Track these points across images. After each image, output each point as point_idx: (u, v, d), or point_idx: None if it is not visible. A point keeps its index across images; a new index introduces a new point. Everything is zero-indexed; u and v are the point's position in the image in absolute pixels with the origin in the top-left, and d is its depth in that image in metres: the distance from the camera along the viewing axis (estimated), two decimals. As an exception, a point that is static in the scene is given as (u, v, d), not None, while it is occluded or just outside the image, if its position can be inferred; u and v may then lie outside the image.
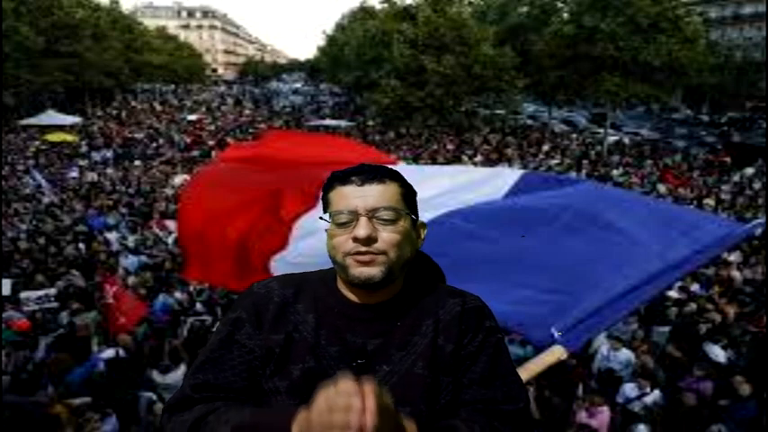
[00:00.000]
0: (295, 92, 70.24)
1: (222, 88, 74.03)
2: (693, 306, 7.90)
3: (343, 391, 0.84)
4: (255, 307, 1.18)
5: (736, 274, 9.53)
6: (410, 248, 1.16)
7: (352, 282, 1.12)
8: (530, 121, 39.24)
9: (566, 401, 5.51)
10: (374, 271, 1.09)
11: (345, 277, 1.13)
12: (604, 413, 5.14)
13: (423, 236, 1.22)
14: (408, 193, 1.18)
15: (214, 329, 1.23)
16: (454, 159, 23.74)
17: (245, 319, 1.17)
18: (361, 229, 1.08)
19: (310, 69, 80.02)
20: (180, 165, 24.15)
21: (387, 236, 1.10)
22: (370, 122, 35.60)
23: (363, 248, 1.09)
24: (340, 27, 49.94)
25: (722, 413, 5.12)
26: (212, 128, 35.81)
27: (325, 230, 1.19)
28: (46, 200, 17.89)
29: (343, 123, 34.98)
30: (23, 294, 7.92)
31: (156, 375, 5.81)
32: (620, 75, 25.75)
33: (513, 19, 35.19)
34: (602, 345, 6.47)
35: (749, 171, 21.60)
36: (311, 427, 0.86)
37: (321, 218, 1.17)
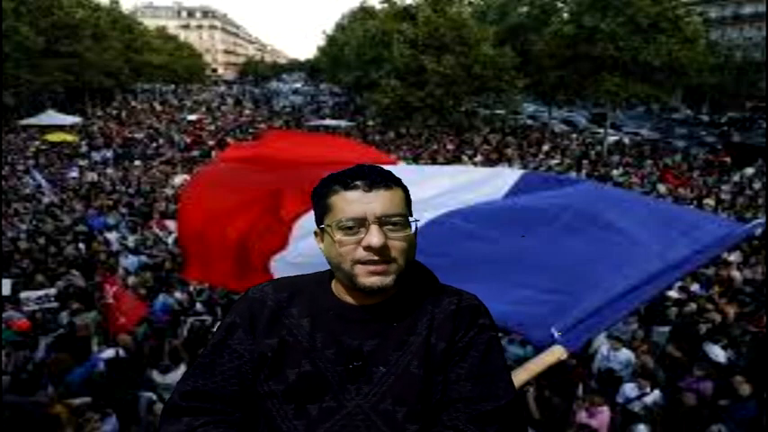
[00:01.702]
0: (295, 92, 70.25)
1: (222, 88, 74.05)
2: (693, 306, 7.89)
3: None
4: (250, 311, 1.18)
5: (736, 274, 9.53)
6: (413, 252, 1.16)
7: (360, 290, 1.10)
8: (530, 121, 39.24)
9: (566, 401, 5.50)
10: (387, 280, 1.09)
11: (351, 285, 1.11)
12: (604, 413, 5.14)
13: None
14: (408, 197, 1.17)
15: (213, 332, 1.24)
16: (454, 159, 23.74)
17: (238, 324, 1.17)
18: (375, 238, 1.06)
19: (310, 69, 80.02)
20: (180, 165, 24.16)
21: (397, 243, 1.09)
22: (370, 122, 35.62)
23: (376, 257, 1.07)
24: (340, 27, 49.97)
25: (722, 413, 5.12)
26: (212, 128, 35.83)
27: (314, 233, 1.17)
28: (46, 200, 17.89)
29: (343, 123, 34.99)
30: (23, 294, 7.92)
31: (156, 375, 5.82)
32: (620, 75, 25.76)
33: (513, 19, 35.19)
34: (602, 345, 6.47)
35: (749, 171, 21.60)
36: None
37: (317, 217, 1.15)
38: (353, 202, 1.08)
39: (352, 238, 1.08)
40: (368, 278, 1.08)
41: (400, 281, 1.12)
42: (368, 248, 1.07)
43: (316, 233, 1.18)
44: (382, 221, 1.08)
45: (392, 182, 1.13)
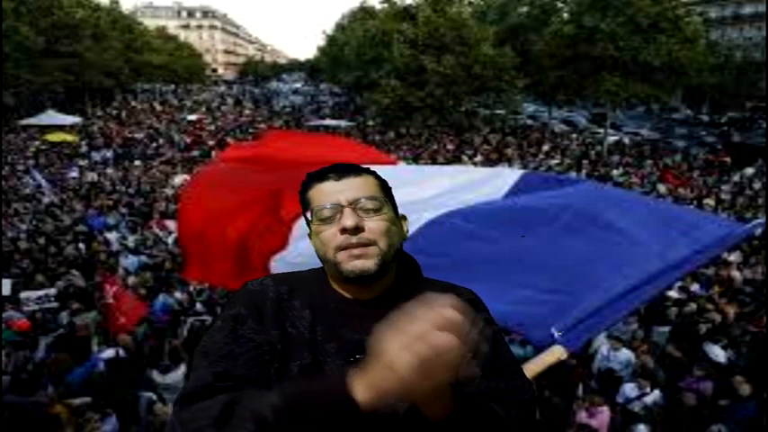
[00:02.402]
0: (295, 92, 70.24)
1: (222, 88, 74.03)
2: (693, 306, 7.90)
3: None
4: (253, 303, 1.15)
5: (736, 274, 9.53)
6: (397, 238, 1.16)
7: (346, 278, 1.10)
8: (530, 121, 39.24)
9: (566, 401, 5.51)
10: (369, 263, 1.09)
11: (338, 274, 1.12)
12: (604, 413, 5.14)
13: (406, 228, 1.23)
14: (385, 186, 1.19)
15: (210, 328, 1.17)
16: (454, 159, 23.74)
17: (245, 315, 1.13)
18: (348, 219, 1.08)
19: (310, 69, 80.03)
20: (180, 165, 24.15)
21: (373, 224, 1.11)
22: (370, 122, 35.60)
23: (354, 239, 1.08)
24: (340, 27, 49.98)
25: (722, 413, 5.12)
26: (212, 128, 35.81)
27: (308, 234, 1.19)
28: (46, 200, 17.89)
29: (343, 123, 34.98)
30: (23, 294, 7.92)
31: (156, 375, 5.81)
32: (620, 75, 25.75)
33: (513, 19, 35.19)
34: (602, 345, 6.47)
35: (749, 171, 21.60)
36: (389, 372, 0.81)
37: (304, 216, 1.18)
38: (327, 192, 1.13)
39: (330, 226, 1.11)
40: (349, 263, 1.09)
41: (386, 267, 1.12)
42: (344, 231, 1.09)
43: (309, 235, 1.19)
44: (355, 205, 1.11)
45: (363, 171, 1.17)
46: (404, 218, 1.23)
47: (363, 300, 1.15)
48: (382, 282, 1.14)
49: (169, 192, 17.99)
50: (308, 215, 1.16)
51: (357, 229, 1.09)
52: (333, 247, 1.10)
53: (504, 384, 1.12)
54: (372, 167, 1.23)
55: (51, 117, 30.86)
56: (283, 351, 1.11)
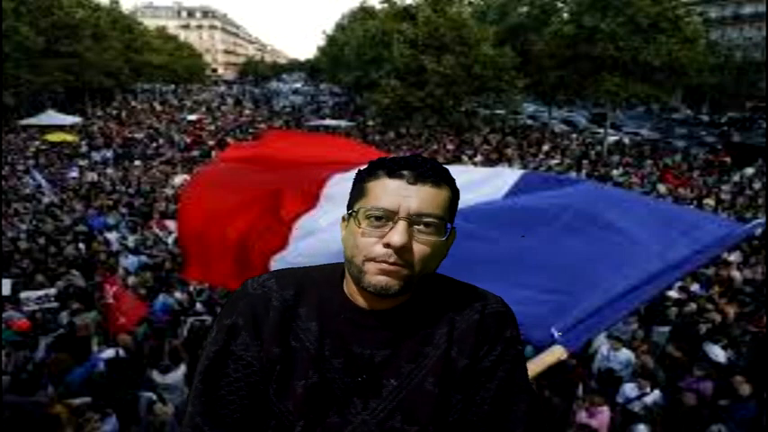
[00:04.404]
0: (295, 92, 70.25)
1: (222, 88, 74.04)
2: (693, 306, 7.90)
3: None
4: (253, 312, 1.05)
5: (736, 274, 9.53)
6: (436, 263, 1.03)
7: (365, 288, 1.00)
8: (530, 121, 39.25)
9: (566, 401, 5.50)
10: (393, 282, 0.97)
11: (357, 281, 1.01)
12: (604, 413, 5.14)
13: (450, 241, 1.06)
14: (455, 200, 1.04)
15: (209, 335, 1.13)
16: (454, 159, 23.74)
17: (241, 326, 1.04)
18: (397, 236, 0.94)
19: (310, 69, 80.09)
20: (180, 165, 24.17)
21: (420, 248, 0.97)
22: (370, 122, 35.61)
23: (393, 257, 0.95)
24: (340, 27, 49.99)
25: (722, 413, 5.12)
26: (212, 128, 35.82)
27: (342, 218, 1.05)
28: (46, 200, 17.89)
29: (343, 123, 35.00)
30: (23, 294, 7.92)
31: (156, 375, 5.81)
32: (620, 75, 25.77)
33: (513, 19, 35.23)
34: (602, 345, 6.47)
35: (749, 171, 21.60)
36: None
37: (350, 211, 1.02)
38: (391, 192, 0.97)
39: (376, 231, 0.97)
40: (374, 276, 0.97)
41: (409, 287, 1.00)
42: (387, 246, 0.95)
43: (343, 218, 1.06)
44: (413, 220, 0.96)
45: (443, 179, 1.01)
46: (453, 234, 1.06)
47: (378, 310, 1.05)
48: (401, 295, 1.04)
49: (169, 192, 18.00)
50: (357, 203, 1.01)
51: (403, 249, 0.95)
52: (365, 254, 0.97)
53: (503, 417, 1.05)
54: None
55: (51, 117, 30.85)
56: (284, 369, 1.03)
